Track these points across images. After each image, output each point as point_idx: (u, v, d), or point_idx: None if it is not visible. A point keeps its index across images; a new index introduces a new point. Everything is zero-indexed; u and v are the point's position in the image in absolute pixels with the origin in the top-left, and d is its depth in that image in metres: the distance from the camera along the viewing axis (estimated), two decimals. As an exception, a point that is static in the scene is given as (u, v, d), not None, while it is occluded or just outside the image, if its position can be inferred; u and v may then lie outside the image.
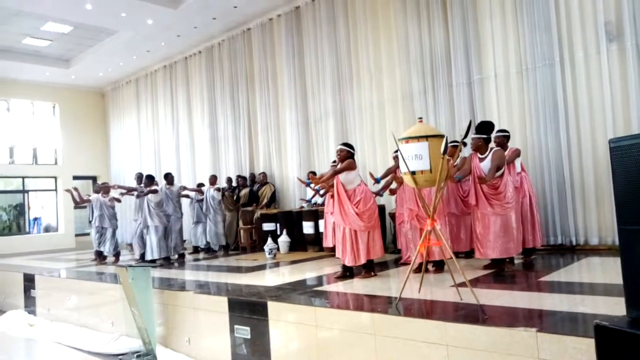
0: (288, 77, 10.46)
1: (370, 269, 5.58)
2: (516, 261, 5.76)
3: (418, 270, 5.15)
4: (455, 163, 5.82)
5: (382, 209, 7.74)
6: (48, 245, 14.95)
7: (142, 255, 9.19)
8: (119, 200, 10.27)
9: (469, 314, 3.53)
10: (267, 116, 11.03)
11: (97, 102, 17.06)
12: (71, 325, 7.28)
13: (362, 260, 5.42)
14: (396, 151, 6.01)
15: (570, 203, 6.74)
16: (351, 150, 5.66)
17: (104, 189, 10.28)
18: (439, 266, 5.57)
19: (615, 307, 3.19)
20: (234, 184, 11.00)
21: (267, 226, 9.54)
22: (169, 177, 9.48)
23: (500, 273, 5.25)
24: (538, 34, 6.94)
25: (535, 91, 7.01)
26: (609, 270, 5.09)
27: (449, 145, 5.60)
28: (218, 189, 10.09)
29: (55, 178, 16.13)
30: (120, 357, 5.73)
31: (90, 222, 10.36)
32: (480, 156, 5.41)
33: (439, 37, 7.99)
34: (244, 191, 10.63)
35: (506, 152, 5.83)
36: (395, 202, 6.54)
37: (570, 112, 6.74)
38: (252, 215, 10.25)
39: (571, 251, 6.63)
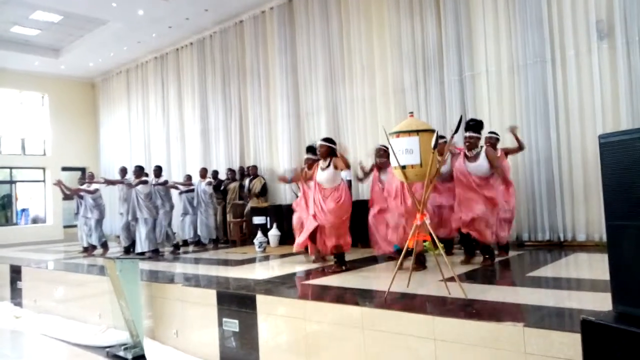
0: (280, 70, 10.41)
1: (342, 262, 5.66)
2: (500, 258, 5.76)
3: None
4: (446, 157, 5.83)
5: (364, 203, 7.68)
6: (36, 237, 14.83)
7: (128, 248, 9.12)
8: (90, 192, 9.90)
9: (457, 308, 3.54)
10: (259, 109, 10.98)
11: (87, 92, 16.91)
12: (58, 317, 7.22)
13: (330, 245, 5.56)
14: (383, 147, 6.00)
15: (558, 199, 6.80)
16: (332, 146, 5.60)
17: (89, 178, 10.16)
18: (421, 263, 5.41)
19: (601, 303, 3.20)
20: (223, 177, 10.94)
21: (258, 219, 9.51)
22: (156, 170, 9.39)
23: (488, 268, 5.28)
24: (530, 31, 6.96)
25: (526, 88, 7.04)
26: (596, 266, 5.15)
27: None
28: (209, 183, 10.04)
29: (44, 169, 15.99)
30: (107, 349, 5.69)
31: (75, 214, 10.26)
32: (469, 155, 5.38)
33: (432, 32, 8.00)
34: (233, 185, 10.59)
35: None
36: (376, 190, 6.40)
37: (560, 109, 6.78)
38: (243, 208, 10.23)
39: (559, 247, 6.69)
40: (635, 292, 2.16)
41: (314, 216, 5.60)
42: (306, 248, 6.23)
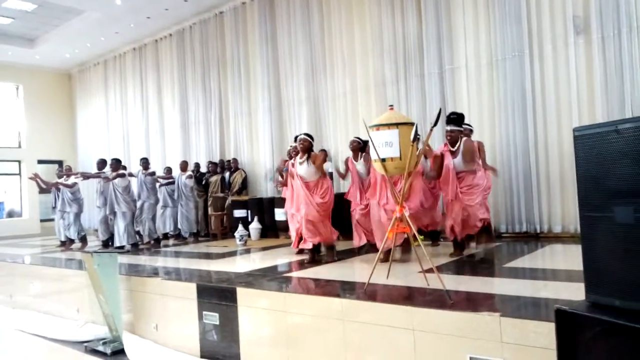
0: (261, 63, 10.34)
1: (333, 252, 5.89)
2: (475, 250, 5.81)
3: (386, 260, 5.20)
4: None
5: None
6: (11, 231, 14.53)
7: (106, 242, 9.00)
8: (69, 186, 9.67)
9: (436, 299, 3.58)
10: (239, 102, 10.90)
11: (64, 84, 16.55)
12: (35, 312, 7.11)
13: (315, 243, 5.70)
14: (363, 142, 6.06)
15: (535, 192, 6.91)
16: (312, 141, 5.79)
17: (66, 173, 9.99)
18: (435, 239, 6.38)
19: (575, 292, 3.27)
20: (203, 170, 10.87)
21: (238, 213, 9.47)
22: (144, 162, 9.27)
23: (465, 259, 5.35)
24: (508, 26, 7.04)
25: (504, 82, 7.12)
26: (571, 257, 5.24)
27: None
28: (190, 176, 9.95)
29: (19, 162, 15.64)
30: (86, 344, 5.63)
31: (53, 207, 10.09)
32: (452, 149, 5.37)
33: (412, 26, 8.03)
34: (215, 178, 10.52)
35: None
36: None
37: (537, 102, 6.89)
38: (224, 201, 10.17)
39: (535, 238, 6.81)
40: (606, 282, 2.21)
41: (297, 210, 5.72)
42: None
